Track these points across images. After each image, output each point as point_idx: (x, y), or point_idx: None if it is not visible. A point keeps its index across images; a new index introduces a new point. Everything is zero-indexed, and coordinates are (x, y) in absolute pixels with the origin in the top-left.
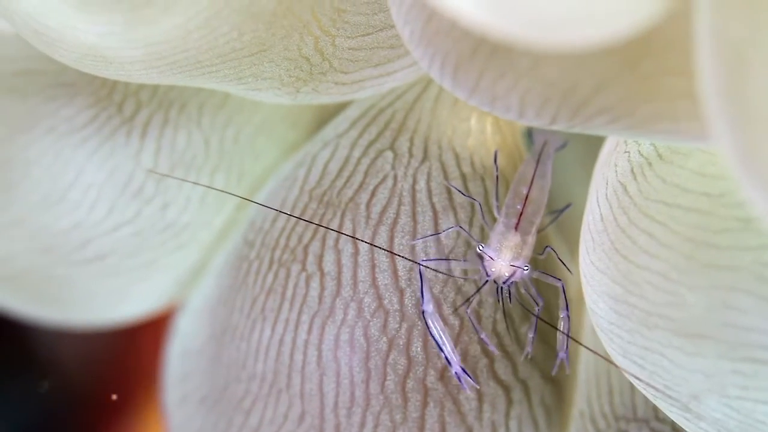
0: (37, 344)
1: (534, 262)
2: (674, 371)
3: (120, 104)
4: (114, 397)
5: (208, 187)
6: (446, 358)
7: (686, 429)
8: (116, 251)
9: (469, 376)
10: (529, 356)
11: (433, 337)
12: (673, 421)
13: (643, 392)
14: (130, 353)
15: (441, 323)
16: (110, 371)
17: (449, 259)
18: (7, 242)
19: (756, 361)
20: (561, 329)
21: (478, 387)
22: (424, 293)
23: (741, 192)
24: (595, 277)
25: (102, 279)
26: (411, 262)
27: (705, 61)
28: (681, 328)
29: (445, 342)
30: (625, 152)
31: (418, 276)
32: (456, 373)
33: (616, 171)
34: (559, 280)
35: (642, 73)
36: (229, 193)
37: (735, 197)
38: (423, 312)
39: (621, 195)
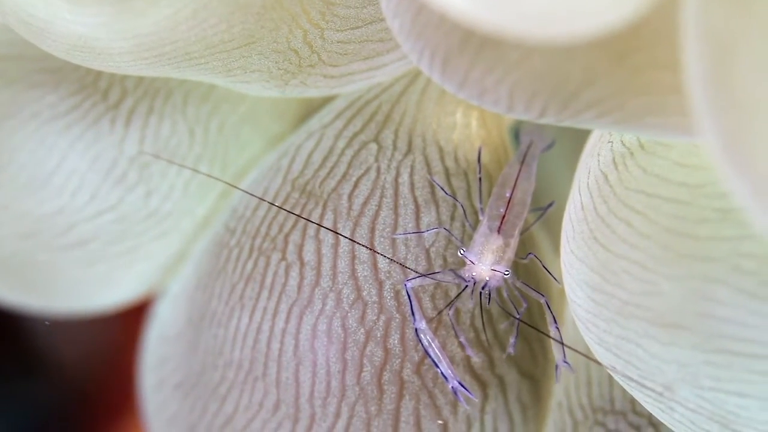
0: (36, 344)
1: (518, 270)
2: (649, 361)
3: (105, 91)
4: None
5: (199, 172)
6: (442, 374)
7: (660, 419)
8: (98, 237)
9: (466, 390)
10: (500, 353)
11: (428, 353)
12: (650, 414)
13: (619, 382)
14: (129, 353)
15: (435, 339)
16: (110, 371)
17: (434, 272)
18: None
19: (730, 352)
20: (552, 337)
21: (477, 400)
22: (415, 311)
23: (721, 183)
24: (574, 265)
25: (84, 265)
26: (391, 254)
27: (689, 51)
28: (657, 318)
29: (441, 358)
30: (609, 142)
31: (407, 295)
32: (453, 387)
33: (598, 160)
34: (543, 295)
35: (631, 67)
36: (217, 179)
37: (714, 188)
38: (416, 330)
39: (602, 184)
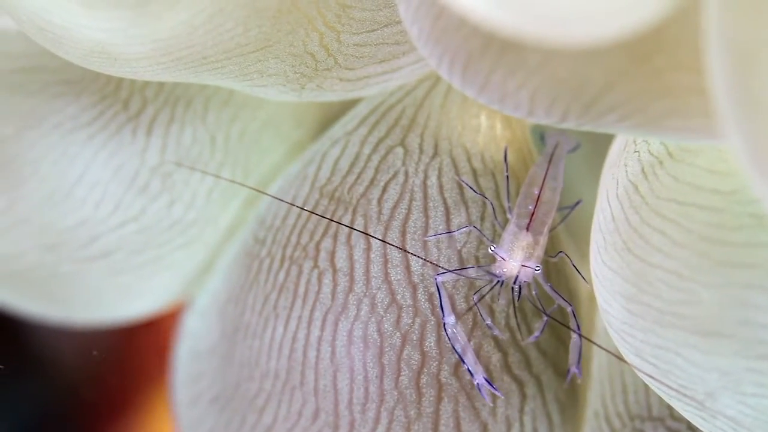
0: (37, 344)
1: (547, 274)
2: (689, 370)
3: (126, 101)
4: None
5: (233, 181)
6: (469, 370)
7: (701, 428)
8: (122, 248)
9: (492, 387)
10: (536, 353)
11: (455, 349)
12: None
13: (657, 392)
14: (130, 353)
15: (463, 335)
16: (110, 371)
17: (464, 268)
18: (14, 240)
19: None
20: (573, 348)
21: (502, 397)
22: (444, 306)
23: (751, 188)
24: (607, 276)
25: (108, 276)
26: (424, 262)
27: (714, 61)
28: (696, 327)
29: (467, 354)
30: (635, 152)
31: (436, 289)
32: (478, 384)
33: (626, 171)
34: (570, 304)
35: (653, 69)
36: (249, 187)
37: (748, 194)
38: (444, 324)
39: (632, 194)
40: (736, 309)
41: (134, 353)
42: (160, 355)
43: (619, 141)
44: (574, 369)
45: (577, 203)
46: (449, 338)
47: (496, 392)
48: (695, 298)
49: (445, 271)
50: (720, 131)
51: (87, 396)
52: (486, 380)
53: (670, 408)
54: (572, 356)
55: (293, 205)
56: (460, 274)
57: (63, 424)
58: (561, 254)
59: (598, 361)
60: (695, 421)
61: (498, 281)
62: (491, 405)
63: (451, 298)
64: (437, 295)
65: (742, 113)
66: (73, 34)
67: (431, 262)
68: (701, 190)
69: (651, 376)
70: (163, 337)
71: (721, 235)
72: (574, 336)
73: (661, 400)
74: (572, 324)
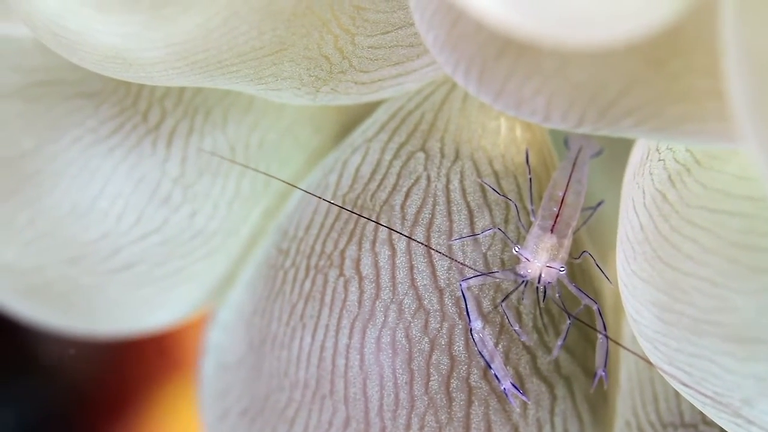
0: (37, 345)
1: (571, 275)
2: (725, 377)
3: (145, 113)
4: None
5: (268, 174)
6: (495, 375)
7: None
8: (145, 260)
9: (519, 391)
10: (565, 354)
11: (482, 355)
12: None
13: (690, 400)
14: (130, 354)
15: (489, 340)
16: (110, 372)
17: (489, 273)
18: (36, 253)
19: None
20: (599, 348)
21: (529, 402)
22: (470, 311)
23: None
24: (637, 286)
25: (131, 288)
26: (449, 262)
27: (732, 66)
28: (731, 333)
29: (495, 359)
30: (660, 160)
31: (461, 295)
32: (505, 389)
33: (652, 179)
34: (596, 302)
35: (670, 73)
36: (285, 182)
37: None
38: (471, 330)
39: (660, 203)
40: None
41: (134, 353)
42: (161, 355)
43: (640, 149)
44: (600, 372)
45: (600, 204)
46: (476, 344)
47: (523, 397)
48: (730, 305)
49: (469, 276)
50: (737, 135)
51: (87, 396)
52: (513, 385)
53: (702, 414)
54: (599, 358)
55: (325, 200)
56: (484, 276)
57: (63, 424)
58: (585, 254)
59: (627, 370)
60: (731, 429)
61: (523, 281)
62: (521, 409)
63: (477, 301)
64: (463, 301)
65: (760, 119)
66: (88, 39)
67: (457, 261)
68: (731, 196)
69: (686, 384)
70: (163, 338)
71: (753, 241)
72: (601, 336)
73: (692, 406)
74: (598, 322)
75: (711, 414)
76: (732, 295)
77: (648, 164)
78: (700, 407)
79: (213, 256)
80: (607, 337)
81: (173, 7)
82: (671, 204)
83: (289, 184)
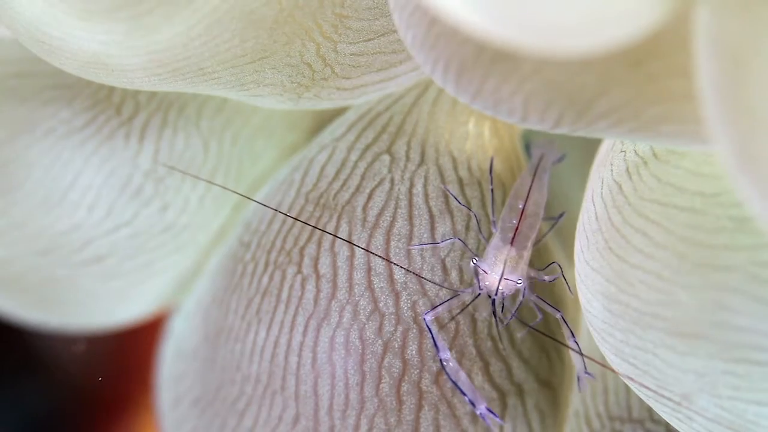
0: (36, 345)
1: (533, 284)
2: (667, 371)
3: (118, 106)
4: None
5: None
6: (470, 401)
7: (679, 429)
8: (115, 253)
9: (494, 415)
10: (518, 362)
11: (454, 383)
12: (667, 422)
13: (636, 392)
14: (129, 354)
15: (460, 368)
16: (110, 371)
17: (447, 300)
18: (7, 244)
19: (748, 361)
20: (571, 347)
21: (504, 424)
22: (437, 342)
23: (736, 192)
24: (589, 276)
25: (101, 281)
26: (407, 265)
27: (703, 64)
28: (674, 328)
29: (468, 388)
30: (621, 151)
31: (426, 327)
32: (482, 413)
33: (611, 170)
34: (558, 310)
35: (647, 75)
36: (233, 191)
37: (729, 197)
38: (441, 360)
39: (616, 194)
40: (713, 311)
41: (134, 353)
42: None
43: (607, 141)
44: (584, 375)
45: (561, 216)
46: (447, 374)
47: (499, 420)
48: (674, 299)
49: (432, 308)
50: (711, 137)
51: (87, 396)
52: (488, 410)
53: (650, 410)
54: (578, 365)
55: (281, 212)
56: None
57: (63, 424)
58: (553, 264)
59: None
60: (673, 423)
61: (479, 294)
62: (470, 415)
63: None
64: (428, 332)
65: (730, 115)
66: (70, 46)
67: (416, 274)
68: (683, 191)
69: (629, 377)
70: (162, 338)
71: (701, 237)
72: (570, 343)
73: (641, 401)
74: (564, 329)
75: (655, 407)
76: (676, 289)
77: (610, 155)
78: (645, 399)
79: (183, 250)
80: (576, 342)
81: (155, 16)
82: (625, 195)
83: (246, 197)
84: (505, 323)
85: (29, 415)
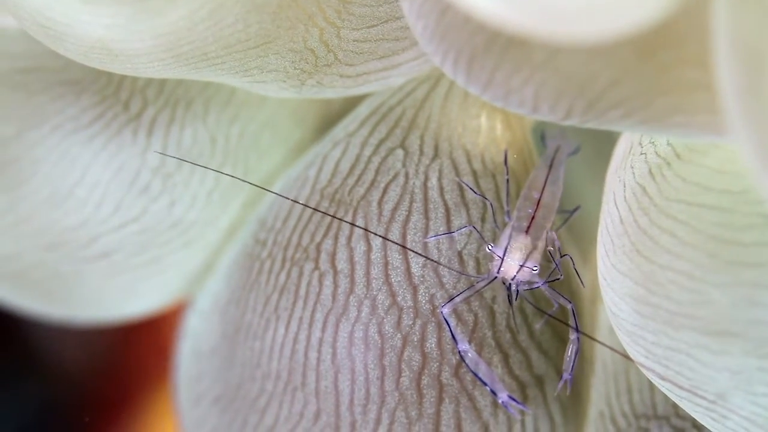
0: (37, 344)
1: (546, 276)
2: (700, 370)
3: (126, 102)
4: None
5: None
6: (491, 390)
7: (712, 429)
8: (122, 249)
9: (517, 402)
10: (538, 353)
11: (475, 374)
12: (693, 417)
13: (667, 393)
14: (130, 353)
15: (480, 359)
16: (111, 371)
17: (464, 291)
18: (15, 239)
19: None
20: (569, 351)
21: (527, 410)
22: (455, 334)
23: (759, 189)
24: (616, 279)
25: (108, 276)
26: (424, 259)
27: (722, 60)
28: (707, 327)
29: (487, 373)
30: (642, 154)
31: (444, 320)
32: (504, 402)
33: (633, 173)
34: (570, 302)
35: (658, 65)
36: (252, 184)
37: (758, 194)
38: (460, 352)
39: (640, 196)
40: (746, 308)
41: (134, 352)
42: (161, 354)
43: (623, 143)
44: (567, 375)
45: (576, 209)
46: (467, 365)
47: (523, 407)
48: (705, 298)
49: (448, 300)
50: (725, 128)
51: (87, 396)
52: (511, 397)
53: (675, 406)
54: (567, 362)
55: (296, 201)
56: (462, 295)
57: (63, 424)
58: (566, 257)
59: (602, 361)
60: (705, 422)
61: (494, 278)
62: (491, 407)
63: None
64: (445, 325)
65: (750, 113)
66: (75, 31)
67: (435, 261)
68: (710, 190)
69: (663, 378)
70: (163, 337)
71: (731, 235)
72: (572, 337)
73: (665, 398)
74: (572, 322)
75: (687, 407)
76: (708, 288)
77: (630, 158)
78: (677, 401)
79: (191, 246)
80: (579, 331)
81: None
82: (650, 197)
83: (260, 187)
84: (516, 300)
85: (29, 416)
